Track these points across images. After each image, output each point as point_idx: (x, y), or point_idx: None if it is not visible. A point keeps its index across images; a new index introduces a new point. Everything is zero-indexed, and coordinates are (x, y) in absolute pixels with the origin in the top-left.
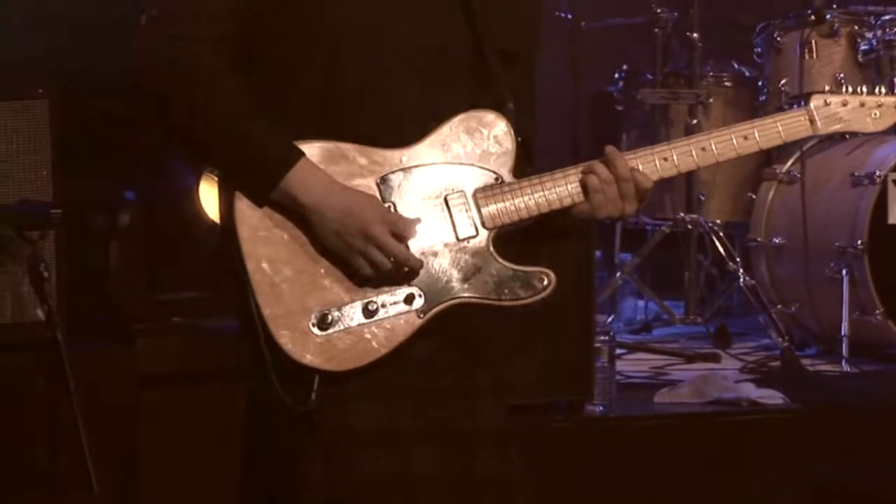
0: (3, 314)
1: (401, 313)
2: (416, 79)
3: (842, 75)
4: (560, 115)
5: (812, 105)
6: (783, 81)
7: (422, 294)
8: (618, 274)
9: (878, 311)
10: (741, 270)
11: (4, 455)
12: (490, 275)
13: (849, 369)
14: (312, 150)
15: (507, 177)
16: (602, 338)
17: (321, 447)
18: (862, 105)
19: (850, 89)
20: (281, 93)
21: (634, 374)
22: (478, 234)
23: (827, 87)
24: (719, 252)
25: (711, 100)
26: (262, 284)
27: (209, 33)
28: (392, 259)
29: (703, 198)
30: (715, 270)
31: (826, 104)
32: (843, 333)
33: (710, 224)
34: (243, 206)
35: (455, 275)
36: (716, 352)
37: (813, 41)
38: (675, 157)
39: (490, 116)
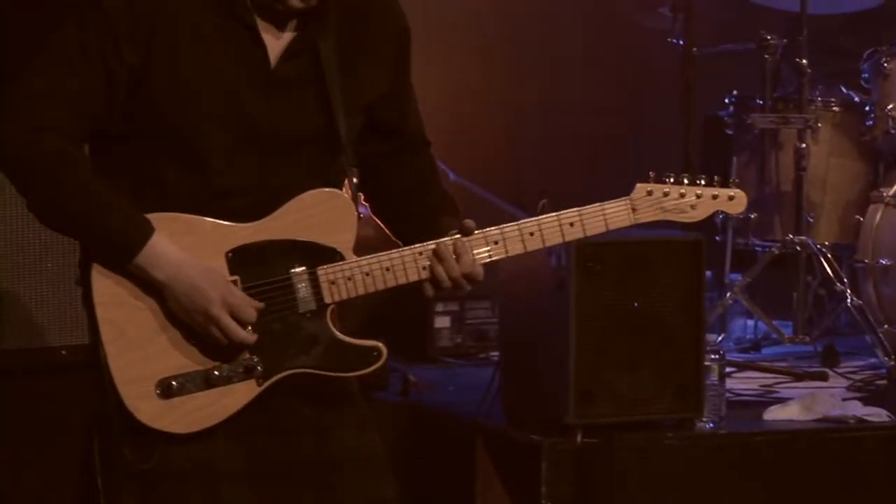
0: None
1: (241, 382)
2: (257, 151)
3: None
4: (672, 139)
5: (634, 195)
6: (890, 107)
7: (261, 364)
8: (728, 294)
9: None
10: (848, 291)
11: None
12: (326, 347)
13: None
14: (164, 222)
15: (349, 253)
16: (712, 356)
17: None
18: (682, 196)
19: (673, 179)
20: (129, 168)
21: (744, 391)
22: (317, 308)
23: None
24: (827, 273)
25: (820, 124)
26: (113, 347)
27: (59, 121)
28: (229, 339)
29: (811, 220)
30: (823, 291)
31: (648, 194)
32: None
33: (818, 246)
34: (99, 273)
35: (294, 346)
36: (823, 370)
37: None
38: (505, 242)
39: (332, 194)
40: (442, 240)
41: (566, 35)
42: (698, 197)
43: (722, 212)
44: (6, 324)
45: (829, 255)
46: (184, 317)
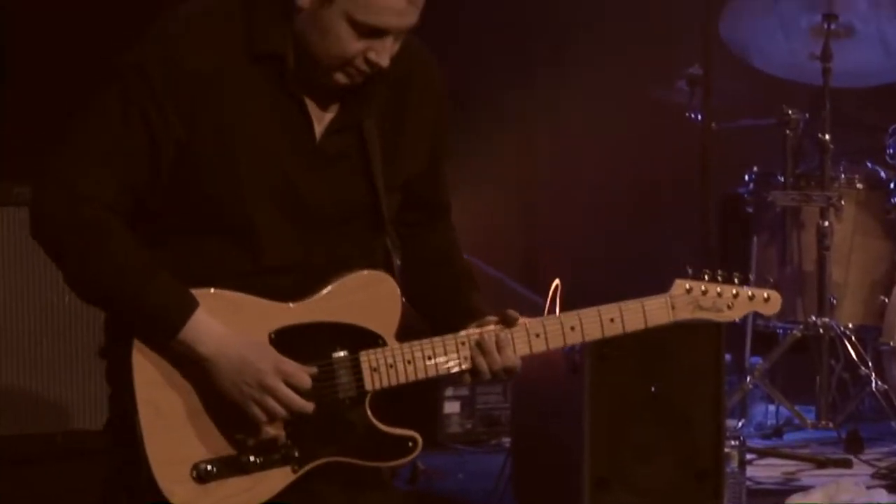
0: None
1: (276, 468)
2: (302, 227)
3: None
4: (690, 217)
5: (674, 292)
6: None
7: (297, 451)
8: (748, 378)
9: None
10: (873, 375)
11: None
12: (363, 435)
13: None
14: (206, 299)
15: (392, 339)
16: (732, 443)
17: None
18: (719, 295)
19: (709, 276)
20: (172, 240)
21: (765, 479)
22: (357, 395)
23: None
24: (851, 356)
25: (843, 202)
26: (150, 428)
27: (99, 191)
28: (286, 408)
29: (834, 301)
30: (847, 375)
31: (687, 291)
32: None
33: (841, 328)
34: (140, 351)
35: (331, 433)
36: (847, 457)
37: None
38: (546, 336)
39: (379, 278)
40: (485, 330)
41: (581, 109)
42: (735, 296)
43: (757, 313)
44: None
45: (854, 338)
46: (232, 393)
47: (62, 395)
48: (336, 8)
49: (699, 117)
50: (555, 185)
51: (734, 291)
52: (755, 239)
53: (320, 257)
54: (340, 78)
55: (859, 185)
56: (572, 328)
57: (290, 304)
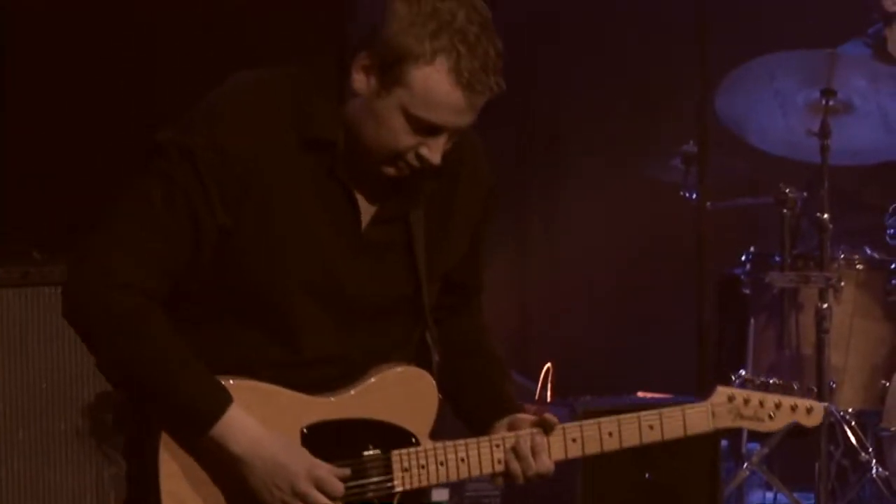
0: None
1: None
2: (343, 319)
3: None
4: (686, 298)
5: (715, 400)
6: None
7: None
8: (745, 465)
9: None
10: (874, 461)
11: None
12: None
13: None
14: (241, 392)
15: (425, 438)
16: None
17: None
18: (762, 405)
19: (752, 385)
20: (209, 326)
21: None
22: (386, 495)
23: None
24: (851, 442)
25: (843, 283)
26: None
27: (137, 278)
28: None
29: (833, 385)
30: (846, 461)
31: (729, 400)
32: None
33: (841, 413)
34: (168, 445)
35: None
36: None
37: None
38: (583, 441)
39: (417, 374)
40: (522, 433)
41: (574, 188)
42: (777, 406)
43: (799, 424)
44: None
45: (854, 423)
46: (262, 494)
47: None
48: (393, 99)
49: (694, 196)
50: (547, 265)
51: (777, 401)
52: (752, 321)
53: (358, 350)
54: (389, 170)
55: (859, 266)
56: (610, 434)
57: (325, 399)
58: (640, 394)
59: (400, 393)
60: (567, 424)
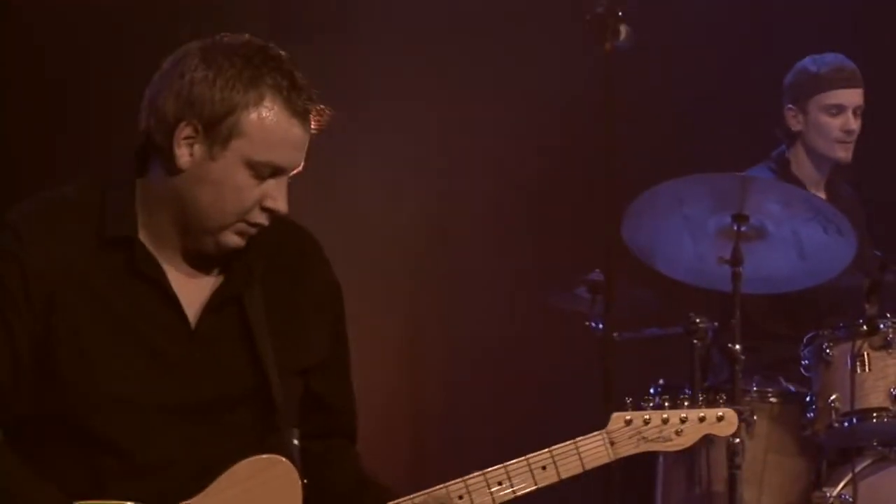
0: None
1: None
2: (178, 421)
3: None
4: (594, 430)
5: (611, 427)
6: (833, 397)
7: None
8: None
9: None
10: None
11: None
12: None
13: None
14: None
15: None
16: None
17: None
18: (664, 422)
19: (653, 404)
20: (51, 451)
21: None
22: None
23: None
24: None
25: (755, 417)
26: None
27: None
28: None
29: None
30: None
31: (627, 423)
32: None
33: None
34: None
35: None
36: None
37: (865, 353)
38: (471, 495)
39: (269, 462)
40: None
41: (470, 318)
42: (683, 421)
43: (711, 435)
44: None
45: None
46: None
47: None
48: (230, 154)
49: (600, 326)
50: (447, 398)
51: (682, 415)
52: (661, 458)
53: (203, 451)
54: (233, 239)
55: (773, 399)
56: (500, 483)
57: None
58: None
59: (257, 484)
60: (451, 483)
